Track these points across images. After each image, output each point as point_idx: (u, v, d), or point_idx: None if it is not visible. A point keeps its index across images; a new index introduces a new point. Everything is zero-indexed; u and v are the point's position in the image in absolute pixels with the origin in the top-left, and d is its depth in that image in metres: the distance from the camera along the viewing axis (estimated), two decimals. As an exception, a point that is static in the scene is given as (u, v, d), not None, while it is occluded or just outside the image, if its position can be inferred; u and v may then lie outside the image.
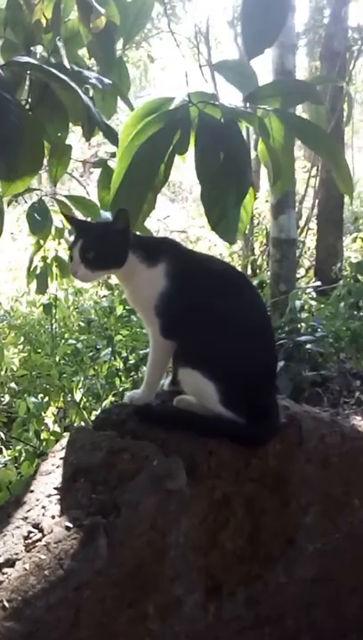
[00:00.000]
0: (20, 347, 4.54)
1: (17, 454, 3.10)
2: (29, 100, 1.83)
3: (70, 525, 1.16)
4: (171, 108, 1.68)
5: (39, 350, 4.08)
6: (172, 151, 1.67)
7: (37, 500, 1.26)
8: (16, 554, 1.15)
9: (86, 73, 1.83)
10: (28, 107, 1.81)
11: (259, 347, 1.43)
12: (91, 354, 3.96)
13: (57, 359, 3.82)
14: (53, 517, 1.20)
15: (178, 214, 11.12)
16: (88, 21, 1.74)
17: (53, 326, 4.77)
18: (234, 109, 1.71)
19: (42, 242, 2.89)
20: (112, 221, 1.45)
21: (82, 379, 3.40)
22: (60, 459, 1.36)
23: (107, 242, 1.40)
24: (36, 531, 1.19)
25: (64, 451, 1.38)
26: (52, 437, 3.05)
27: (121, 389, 3.29)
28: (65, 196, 2.31)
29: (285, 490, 1.42)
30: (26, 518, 1.23)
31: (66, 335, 4.69)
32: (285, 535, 1.46)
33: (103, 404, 3.24)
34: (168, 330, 1.42)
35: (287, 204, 4.32)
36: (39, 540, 1.17)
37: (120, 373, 3.43)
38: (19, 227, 7.79)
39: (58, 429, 3.29)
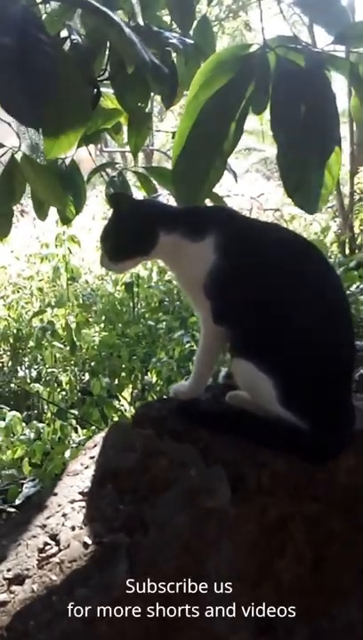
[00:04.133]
0: (102, 325, 4.48)
1: (91, 434, 3.02)
2: (108, 68, 1.67)
3: (89, 542, 0.98)
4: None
5: (113, 330, 3.97)
6: (244, 106, 1.42)
7: (59, 506, 1.09)
8: (27, 569, 0.99)
9: (167, 34, 1.63)
10: (106, 76, 1.65)
11: (331, 334, 1.16)
12: (168, 335, 3.80)
13: (130, 339, 3.69)
14: (73, 529, 1.03)
15: (273, 192, 10.71)
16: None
17: (136, 306, 4.67)
18: (319, 53, 1.43)
19: None
20: (115, 208, 1.28)
21: (154, 360, 3.24)
22: (91, 458, 1.18)
23: (118, 230, 1.24)
24: (52, 543, 1.02)
25: (96, 449, 1.20)
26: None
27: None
28: (145, 168, 2.13)
29: (358, 512, 1.16)
30: (44, 526, 1.07)
31: (146, 315, 4.57)
32: (358, 565, 1.20)
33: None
34: (221, 314, 1.19)
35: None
36: (54, 555, 0.99)
37: (194, 357, 3.23)
38: (107, 207, 7.76)
39: (133, 411, 3.19)
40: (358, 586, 1.22)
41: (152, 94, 1.83)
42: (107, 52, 1.68)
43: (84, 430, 3.05)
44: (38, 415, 3.48)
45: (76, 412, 3.17)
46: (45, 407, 3.49)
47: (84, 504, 1.07)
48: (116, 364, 3.28)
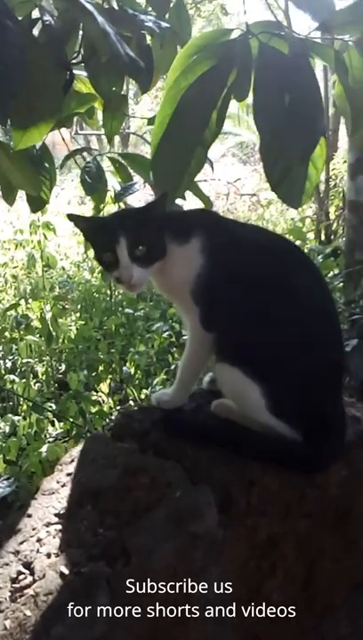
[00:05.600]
0: (78, 314, 4.38)
1: (69, 427, 2.95)
2: (82, 51, 1.57)
3: (66, 572, 0.90)
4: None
5: (91, 320, 3.87)
6: (226, 94, 1.35)
7: (34, 530, 1.01)
8: (-1, 602, 0.91)
9: (142, 17, 1.54)
10: (80, 58, 1.55)
11: (320, 339, 1.10)
12: (147, 324, 3.72)
13: (107, 329, 3.60)
14: (49, 556, 0.95)
15: (250, 177, 10.65)
16: None
17: (113, 293, 4.57)
18: (304, 40, 1.35)
19: (101, 206, 2.69)
20: (151, 206, 1.15)
21: (133, 352, 3.17)
22: (68, 475, 1.10)
23: (152, 230, 1.11)
24: (26, 572, 0.95)
25: (73, 464, 1.12)
26: (97, 416, 2.86)
27: (174, 367, 3.02)
28: (118, 154, 2.03)
29: (349, 526, 1.11)
30: (17, 553, 0.99)
31: (124, 303, 4.48)
32: (348, 580, 1.15)
33: (154, 381, 3.00)
34: (210, 319, 1.12)
35: (368, 162, 3.83)
36: (28, 586, 0.92)
37: (173, 349, 3.16)
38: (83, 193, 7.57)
39: (111, 404, 3.12)
40: (348, 601, 1.17)
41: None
42: (80, 35, 1.59)
43: (62, 424, 2.97)
44: (13, 407, 3.39)
45: (53, 405, 3.09)
46: (21, 399, 3.40)
47: (60, 527, 1.00)
48: (94, 357, 3.19)
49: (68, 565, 0.91)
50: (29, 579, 0.93)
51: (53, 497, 1.06)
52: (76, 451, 1.15)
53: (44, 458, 2.55)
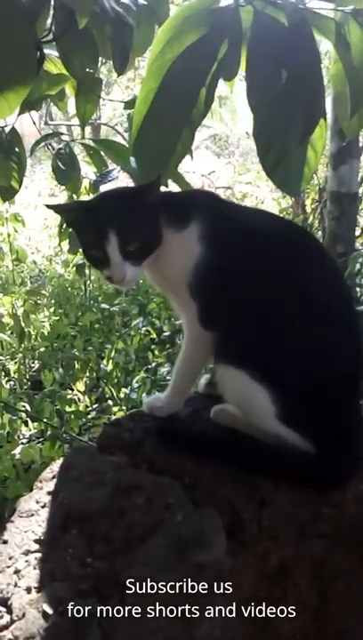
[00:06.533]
0: (52, 310, 4.23)
1: (43, 428, 2.80)
2: (53, 29, 1.44)
3: (49, 611, 0.77)
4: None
5: (67, 317, 3.72)
6: (216, 70, 1.22)
7: (10, 559, 0.87)
8: (-29, 648, 0.78)
9: None
10: (52, 37, 1.42)
11: (336, 339, 0.99)
12: (124, 319, 3.58)
13: (83, 326, 3.46)
14: (29, 591, 0.81)
15: (224, 170, 10.57)
16: None
17: (88, 288, 4.41)
18: (304, 10, 1.23)
19: (74, 196, 2.56)
20: (143, 189, 1.00)
21: (110, 349, 3.03)
22: (49, 493, 0.96)
23: (146, 220, 0.98)
24: (3, 610, 0.81)
25: (55, 481, 0.98)
26: (73, 416, 2.73)
27: (154, 364, 2.89)
28: (93, 140, 1.90)
29: (365, 545, 1.00)
30: (-8, 587, 0.85)
31: (100, 298, 4.32)
32: (360, 602, 1.04)
33: (134, 379, 2.87)
34: (209, 316, 0.99)
35: (350, 152, 3.74)
36: (6, 627, 0.78)
37: (153, 346, 3.03)
38: (54, 182, 7.38)
39: (88, 402, 2.98)
40: (358, 623, 1.07)
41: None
42: (51, 11, 1.46)
43: (35, 424, 2.83)
44: (-17, 408, 3.23)
45: (27, 405, 2.94)
46: (-9, 398, 3.24)
47: (41, 556, 0.86)
48: (70, 355, 3.05)
49: (53, 603, 0.78)
50: (7, 618, 0.79)
51: (33, 520, 0.93)
52: (57, 465, 1.02)
53: (18, 461, 2.42)
